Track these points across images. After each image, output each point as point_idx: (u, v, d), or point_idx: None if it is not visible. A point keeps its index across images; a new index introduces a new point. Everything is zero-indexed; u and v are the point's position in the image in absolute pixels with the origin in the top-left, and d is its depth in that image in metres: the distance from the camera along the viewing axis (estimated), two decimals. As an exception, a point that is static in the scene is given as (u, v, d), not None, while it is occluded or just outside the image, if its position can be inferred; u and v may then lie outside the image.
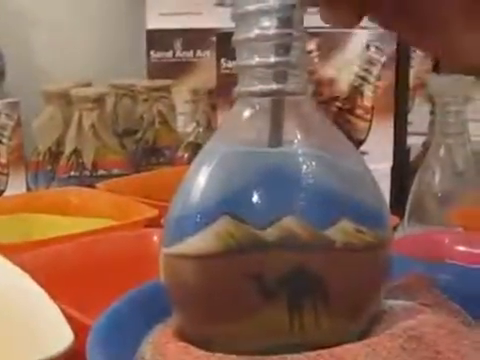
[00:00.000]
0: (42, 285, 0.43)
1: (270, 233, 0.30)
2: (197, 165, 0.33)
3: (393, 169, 0.72)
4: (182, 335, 0.33)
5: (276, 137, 0.32)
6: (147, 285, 0.38)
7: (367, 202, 0.32)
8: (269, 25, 0.32)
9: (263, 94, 0.32)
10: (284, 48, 0.32)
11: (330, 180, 0.32)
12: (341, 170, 0.32)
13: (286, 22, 0.32)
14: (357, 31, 0.72)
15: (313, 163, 0.32)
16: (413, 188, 0.67)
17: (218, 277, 0.31)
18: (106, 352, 0.31)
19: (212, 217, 0.31)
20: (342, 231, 0.31)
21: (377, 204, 0.33)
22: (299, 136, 0.32)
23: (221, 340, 0.31)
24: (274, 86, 0.32)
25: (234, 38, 0.33)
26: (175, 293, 0.33)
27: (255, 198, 0.31)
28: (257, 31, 0.32)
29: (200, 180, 0.32)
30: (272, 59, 0.32)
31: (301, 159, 0.32)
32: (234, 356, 0.30)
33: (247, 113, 0.32)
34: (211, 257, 0.31)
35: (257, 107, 0.32)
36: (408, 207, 0.66)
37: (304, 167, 0.32)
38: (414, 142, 0.82)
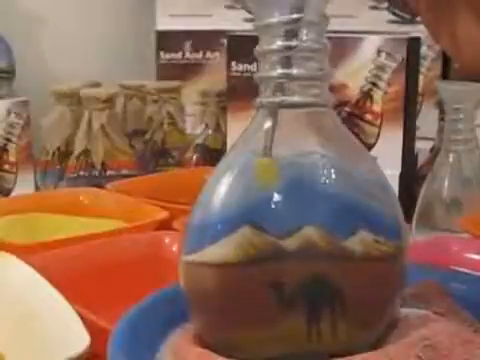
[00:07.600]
0: (53, 287, 0.43)
1: (290, 243, 0.31)
2: (218, 174, 0.34)
3: (401, 175, 0.72)
4: (202, 341, 0.33)
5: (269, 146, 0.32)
6: (164, 290, 0.38)
7: (385, 212, 0.33)
8: (291, 37, 0.32)
9: (285, 105, 0.33)
10: (306, 60, 0.32)
11: (349, 191, 0.32)
12: (360, 181, 0.33)
13: (308, 34, 0.32)
14: (368, 37, 0.72)
15: (333, 174, 0.32)
16: (422, 194, 0.67)
17: (238, 286, 0.31)
18: (127, 358, 0.32)
19: (233, 226, 0.31)
20: (361, 241, 0.31)
21: (395, 214, 0.33)
22: (320, 147, 0.33)
23: (240, 347, 0.32)
24: (296, 98, 0.32)
25: (257, 49, 0.33)
26: (195, 300, 0.33)
27: (275, 208, 0.31)
28: (279, 43, 0.32)
29: (221, 189, 0.33)
30: (294, 71, 0.32)
31: (321, 170, 0.32)
32: (253, 363, 0.31)
33: (268, 124, 0.33)
34: (231, 266, 0.31)
35: (279, 118, 0.33)
36: (416, 213, 0.66)
37: (324, 178, 0.32)
38: (421, 147, 0.82)
